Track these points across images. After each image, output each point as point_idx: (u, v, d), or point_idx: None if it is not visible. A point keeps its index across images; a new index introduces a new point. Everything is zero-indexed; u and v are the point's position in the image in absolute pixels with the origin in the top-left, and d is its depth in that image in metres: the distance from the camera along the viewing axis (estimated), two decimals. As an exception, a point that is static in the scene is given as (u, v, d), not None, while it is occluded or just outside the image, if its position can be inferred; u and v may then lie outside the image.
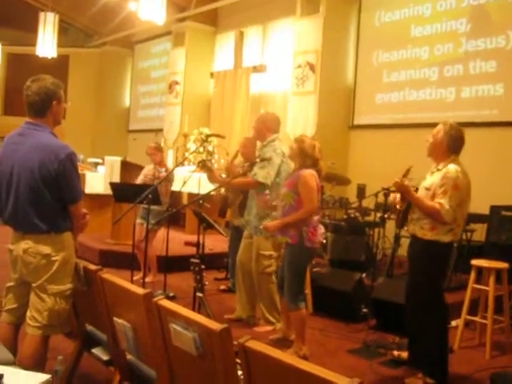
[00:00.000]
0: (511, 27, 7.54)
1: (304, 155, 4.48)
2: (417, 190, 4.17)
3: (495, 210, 6.77)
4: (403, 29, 8.92)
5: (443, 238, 3.97)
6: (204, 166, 5.67)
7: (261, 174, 4.99)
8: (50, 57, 12.45)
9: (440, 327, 4.09)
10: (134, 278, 5.97)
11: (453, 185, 3.90)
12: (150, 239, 6.42)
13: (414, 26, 8.78)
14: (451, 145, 4.05)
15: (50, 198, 3.12)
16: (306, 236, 4.40)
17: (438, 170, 4.06)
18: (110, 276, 3.10)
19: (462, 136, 4.10)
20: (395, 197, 4.32)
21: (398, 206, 4.22)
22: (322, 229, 4.56)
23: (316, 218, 4.50)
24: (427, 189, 4.05)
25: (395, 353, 4.54)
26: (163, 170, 6.58)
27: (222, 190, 6.07)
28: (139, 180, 6.79)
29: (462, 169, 4.00)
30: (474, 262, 5.00)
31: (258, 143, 5.53)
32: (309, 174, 4.43)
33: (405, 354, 4.42)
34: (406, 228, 4.31)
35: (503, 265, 4.93)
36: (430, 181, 4.07)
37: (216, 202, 6.40)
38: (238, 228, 5.97)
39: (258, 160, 5.05)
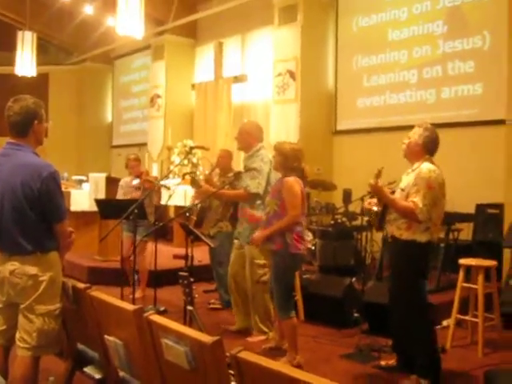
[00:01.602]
0: (487, 27, 7.62)
1: (286, 162, 4.48)
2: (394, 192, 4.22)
3: (481, 208, 6.83)
4: (381, 33, 8.99)
5: (420, 238, 4.00)
6: (194, 181, 5.70)
7: (253, 184, 5.00)
8: (29, 75, 12.40)
9: (426, 327, 4.12)
10: (124, 294, 5.92)
11: (426, 184, 3.95)
12: (141, 251, 6.40)
13: (391, 30, 8.85)
14: (427, 146, 4.13)
15: (34, 218, 3.10)
16: (291, 242, 4.40)
17: (413, 170, 4.13)
18: (99, 293, 3.09)
19: (437, 137, 4.18)
20: (370, 202, 4.35)
21: (375, 209, 4.25)
22: (309, 236, 4.56)
23: (300, 224, 4.48)
24: (402, 189, 4.12)
25: (382, 362, 4.52)
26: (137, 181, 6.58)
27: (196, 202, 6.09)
28: (119, 196, 6.76)
29: (435, 168, 4.06)
30: (462, 261, 5.03)
31: (242, 154, 5.53)
32: (293, 180, 4.43)
33: (392, 361, 4.42)
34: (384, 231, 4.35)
35: (491, 263, 4.97)
36: (405, 181, 4.14)
37: (193, 212, 6.39)
38: (214, 238, 6.07)
39: (243, 170, 5.06)
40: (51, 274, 3.18)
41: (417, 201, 3.92)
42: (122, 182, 6.88)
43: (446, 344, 4.97)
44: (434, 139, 4.17)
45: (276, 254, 4.50)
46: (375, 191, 4.12)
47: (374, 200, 4.30)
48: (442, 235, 6.61)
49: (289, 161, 4.47)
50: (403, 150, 4.25)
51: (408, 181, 4.10)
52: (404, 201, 4.02)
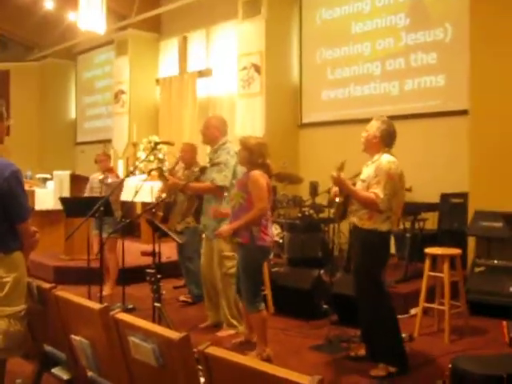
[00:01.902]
0: (448, 20, 7.71)
1: (251, 157, 4.50)
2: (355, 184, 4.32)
3: (445, 198, 6.93)
4: (344, 26, 9.03)
5: (381, 227, 4.14)
6: (161, 175, 5.68)
7: (219, 177, 5.01)
8: (-11, 73, 12.16)
9: (387, 315, 4.23)
10: (92, 292, 5.84)
11: (386, 174, 4.07)
12: (112, 249, 6.34)
13: (354, 23, 8.90)
14: (384, 139, 4.25)
15: (-4, 218, 3.04)
16: (257, 235, 4.41)
17: (373, 162, 4.24)
18: (65, 293, 3.05)
19: (395, 130, 4.30)
20: (336, 191, 4.43)
21: (336, 199, 4.34)
22: (276, 229, 4.58)
23: (266, 217, 4.49)
24: (363, 181, 4.23)
25: (352, 353, 4.57)
26: (110, 178, 6.50)
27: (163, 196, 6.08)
28: (87, 191, 6.70)
29: (394, 160, 4.18)
30: (428, 250, 5.11)
31: (208, 147, 5.51)
32: (258, 173, 4.45)
33: (362, 351, 4.48)
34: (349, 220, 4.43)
35: (456, 251, 5.05)
36: (366, 173, 4.25)
37: (159, 208, 6.34)
38: (181, 233, 6.08)
39: (208, 165, 5.05)
40: (16, 275, 3.12)
41: (378, 192, 4.04)
42: (90, 179, 6.83)
43: (413, 332, 5.04)
44: (391, 132, 4.28)
45: (243, 247, 4.50)
46: (337, 183, 4.21)
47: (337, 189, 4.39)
48: (407, 225, 6.71)
49: (254, 156, 4.49)
50: (362, 143, 4.36)
51: (368, 172, 4.21)
52: (365, 191, 4.13)
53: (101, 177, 6.59)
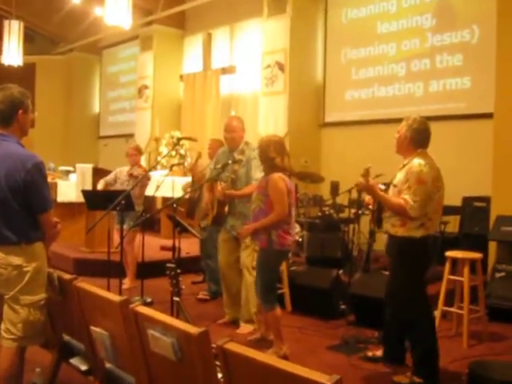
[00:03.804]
0: (476, 21, 7.64)
1: (262, 159, 4.52)
2: (388, 186, 4.18)
3: (467, 201, 6.87)
4: (370, 26, 8.99)
5: (415, 234, 3.90)
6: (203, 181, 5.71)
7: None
8: (16, 65, 12.29)
9: (425, 324, 4.04)
10: (111, 285, 5.88)
11: (415, 179, 3.85)
12: (130, 241, 6.37)
13: (380, 23, 8.86)
14: (415, 138, 4.02)
15: (18, 209, 3.07)
16: (276, 239, 4.38)
17: (404, 165, 4.03)
18: (85, 285, 3.08)
19: (427, 128, 4.07)
20: (369, 198, 4.28)
21: (370, 207, 4.23)
22: (296, 228, 4.57)
23: (287, 221, 4.45)
24: (395, 186, 4.03)
25: (369, 353, 4.53)
26: (136, 171, 6.53)
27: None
28: (109, 176, 6.71)
29: (427, 162, 3.94)
30: (449, 253, 5.07)
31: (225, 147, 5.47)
32: (278, 176, 4.39)
33: (379, 352, 4.41)
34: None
35: (477, 255, 5.00)
36: (397, 178, 4.05)
37: (183, 203, 6.31)
38: (204, 230, 6.14)
39: (229, 162, 5.02)
40: (36, 265, 3.16)
41: (407, 198, 3.84)
42: (118, 171, 6.79)
43: (431, 335, 5.00)
44: (422, 131, 4.04)
45: (261, 250, 4.52)
46: (366, 190, 4.06)
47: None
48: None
49: (260, 152, 4.52)
50: (395, 145, 4.15)
51: (400, 177, 4.01)
52: (396, 198, 3.94)
53: (127, 168, 6.61)
